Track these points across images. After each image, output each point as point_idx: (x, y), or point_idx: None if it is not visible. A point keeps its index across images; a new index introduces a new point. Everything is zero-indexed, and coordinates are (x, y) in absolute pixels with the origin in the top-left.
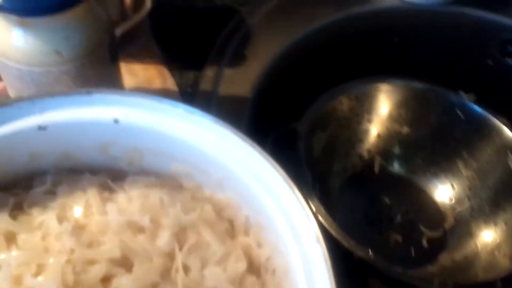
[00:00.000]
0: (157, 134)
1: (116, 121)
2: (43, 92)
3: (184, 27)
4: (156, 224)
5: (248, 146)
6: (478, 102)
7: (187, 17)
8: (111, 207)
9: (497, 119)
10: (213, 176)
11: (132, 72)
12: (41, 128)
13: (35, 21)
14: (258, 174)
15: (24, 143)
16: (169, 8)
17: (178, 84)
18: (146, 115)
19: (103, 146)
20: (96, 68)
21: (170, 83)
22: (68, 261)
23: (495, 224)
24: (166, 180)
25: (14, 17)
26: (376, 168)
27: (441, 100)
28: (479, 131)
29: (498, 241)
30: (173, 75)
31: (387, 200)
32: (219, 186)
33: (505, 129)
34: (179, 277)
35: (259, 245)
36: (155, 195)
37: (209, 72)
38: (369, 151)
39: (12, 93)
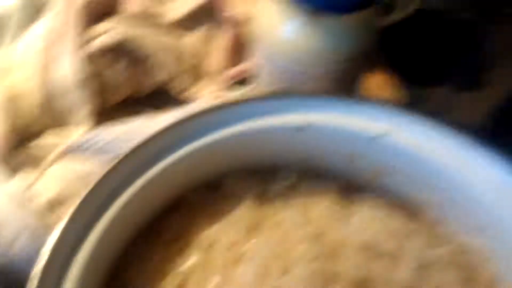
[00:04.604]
0: (417, 160)
1: (377, 137)
2: (307, 90)
3: (418, 37)
4: (398, 253)
5: None
6: None
7: (424, 26)
8: (354, 221)
9: None
10: (473, 218)
11: None
12: (301, 128)
13: (328, 17)
14: None
15: (281, 140)
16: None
17: (402, 99)
18: (410, 135)
19: (351, 156)
20: (356, 73)
21: (397, 95)
22: (314, 271)
23: None
24: (405, 204)
25: (307, 9)
26: None
27: None
28: None
29: None
30: (402, 87)
31: None
32: (474, 229)
33: None
34: None
35: None
36: (398, 220)
37: (445, 90)
38: None
39: (261, 79)
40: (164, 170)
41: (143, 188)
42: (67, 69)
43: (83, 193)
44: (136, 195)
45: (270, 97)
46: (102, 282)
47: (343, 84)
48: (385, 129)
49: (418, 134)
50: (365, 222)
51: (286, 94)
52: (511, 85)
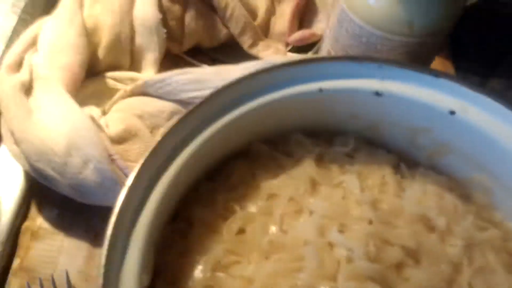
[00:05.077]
0: (486, 141)
1: (451, 113)
2: (387, 58)
3: (482, 28)
4: (448, 230)
5: None
6: None
7: (487, 19)
8: (408, 194)
9: None
10: None
11: None
12: (378, 94)
13: None
14: None
15: (354, 102)
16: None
17: None
18: (487, 117)
19: (415, 131)
20: (432, 48)
21: None
22: (370, 233)
23: None
24: (457, 185)
25: None
26: None
27: None
28: None
29: None
30: (456, 74)
31: None
32: None
33: None
34: None
35: None
36: (450, 199)
37: (495, 84)
38: None
39: (331, 46)
40: (234, 121)
41: (213, 136)
42: (148, 10)
43: (159, 137)
44: (206, 142)
45: (346, 59)
46: (169, 218)
47: (416, 60)
48: (462, 105)
49: (493, 115)
50: (418, 196)
51: (363, 58)
52: None
